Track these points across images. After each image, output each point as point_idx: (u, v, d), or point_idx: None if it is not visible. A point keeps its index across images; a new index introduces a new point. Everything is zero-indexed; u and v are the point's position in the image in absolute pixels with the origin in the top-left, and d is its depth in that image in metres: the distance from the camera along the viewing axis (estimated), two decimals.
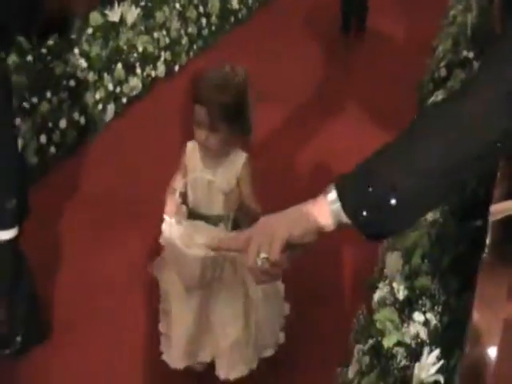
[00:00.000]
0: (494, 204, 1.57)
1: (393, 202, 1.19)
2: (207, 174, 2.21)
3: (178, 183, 2.24)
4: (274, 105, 4.45)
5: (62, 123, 3.98)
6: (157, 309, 2.50)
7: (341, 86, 4.98)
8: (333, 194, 1.24)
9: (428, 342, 2.44)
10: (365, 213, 1.21)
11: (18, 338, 2.61)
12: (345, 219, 1.24)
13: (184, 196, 2.27)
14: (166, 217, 2.19)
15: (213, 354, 2.42)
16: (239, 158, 2.25)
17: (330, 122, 4.47)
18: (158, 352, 2.47)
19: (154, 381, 2.63)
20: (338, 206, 1.23)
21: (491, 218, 1.52)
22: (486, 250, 2.68)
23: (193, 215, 2.27)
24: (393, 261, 3.00)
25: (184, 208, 2.26)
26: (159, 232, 2.24)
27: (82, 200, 3.66)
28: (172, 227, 2.16)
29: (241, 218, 2.25)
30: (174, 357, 2.40)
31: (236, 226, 2.24)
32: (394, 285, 2.83)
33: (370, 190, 1.20)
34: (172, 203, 2.19)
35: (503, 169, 2.06)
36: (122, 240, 3.29)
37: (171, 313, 2.38)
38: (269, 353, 2.53)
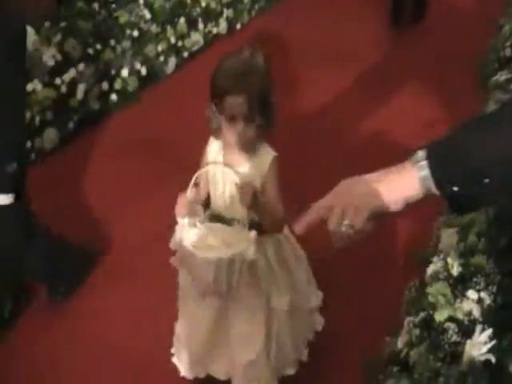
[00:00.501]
0: None
1: (486, 180, 1.17)
2: (228, 169, 1.96)
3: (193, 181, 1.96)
4: (333, 71, 4.43)
5: (124, 72, 4.00)
6: None
7: (400, 63, 4.90)
8: (423, 165, 1.22)
9: (481, 320, 2.42)
10: (455, 188, 1.20)
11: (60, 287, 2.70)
12: (433, 190, 1.23)
13: (207, 198, 2.08)
14: (178, 219, 1.95)
15: (227, 371, 2.23)
16: (267, 156, 2.02)
17: (389, 97, 4.42)
18: None
19: None
20: (427, 176, 1.22)
21: None
22: None
23: (215, 218, 2.06)
24: (448, 237, 2.98)
25: (200, 208, 2.04)
26: None
27: (138, 146, 3.68)
28: (184, 229, 1.92)
29: (264, 222, 2.00)
30: (184, 362, 2.26)
31: (256, 227, 1.98)
32: (449, 260, 2.81)
33: (462, 167, 1.18)
34: (182, 202, 1.94)
35: None
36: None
37: (187, 314, 2.22)
38: (289, 371, 2.32)
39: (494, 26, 5.29)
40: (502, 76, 4.25)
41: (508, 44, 4.69)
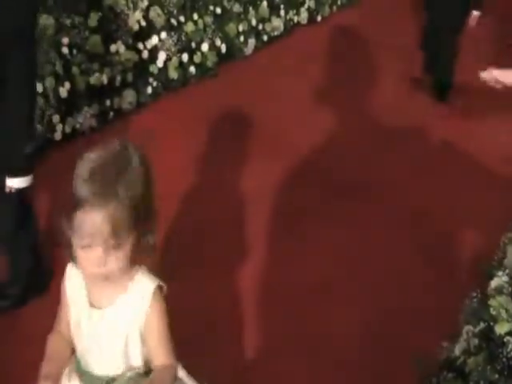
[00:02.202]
0: None
1: None
2: (95, 315, 1.45)
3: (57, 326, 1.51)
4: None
5: (204, 46, 4.02)
6: None
7: None
8: None
9: None
10: None
11: (16, 290, 2.49)
12: None
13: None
14: None
15: None
16: (147, 286, 1.45)
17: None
18: None
19: None
20: None
21: None
22: None
23: (80, 374, 1.52)
24: None
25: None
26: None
27: (223, 115, 3.75)
28: None
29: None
30: None
31: None
32: None
33: None
34: (47, 365, 1.44)
35: None
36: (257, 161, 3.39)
37: None
38: None
39: None
40: None
41: None
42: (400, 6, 5.60)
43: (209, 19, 4.07)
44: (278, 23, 4.64)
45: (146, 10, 3.66)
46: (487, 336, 2.48)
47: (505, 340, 2.38)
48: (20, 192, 2.19)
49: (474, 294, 2.74)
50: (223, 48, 4.19)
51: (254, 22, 4.42)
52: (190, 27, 3.92)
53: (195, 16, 3.98)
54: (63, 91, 3.22)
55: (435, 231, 3.20)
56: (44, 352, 1.47)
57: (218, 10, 4.15)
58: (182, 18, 3.88)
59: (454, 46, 4.07)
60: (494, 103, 3.70)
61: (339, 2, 5.40)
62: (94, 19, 3.32)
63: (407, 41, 4.67)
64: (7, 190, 2.16)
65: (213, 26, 4.09)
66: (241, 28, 4.32)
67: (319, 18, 5.15)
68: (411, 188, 3.41)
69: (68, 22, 3.21)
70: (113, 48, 3.44)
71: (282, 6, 4.70)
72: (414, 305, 2.84)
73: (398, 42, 4.80)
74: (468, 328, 2.54)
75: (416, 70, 4.33)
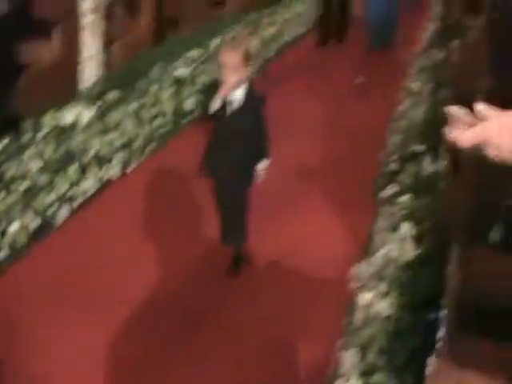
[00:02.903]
0: None
1: None
2: None
3: None
4: None
5: (14, 226, 3.92)
6: None
7: (297, 187, 5.01)
8: None
9: None
10: None
11: None
12: None
13: None
14: None
15: None
16: None
17: (298, 218, 4.48)
18: None
19: None
20: None
21: None
22: (438, 344, 2.67)
23: None
24: (349, 357, 2.97)
25: None
26: None
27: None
28: None
29: None
30: None
31: None
32: (351, 382, 2.79)
33: None
34: None
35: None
36: None
37: None
38: None
39: (383, 141, 5.50)
40: (390, 190, 4.39)
41: (394, 158, 4.88)
42: None
43: (16, 196, 4.01)
44: (88, 184, 4.58)
45: None
46: None
47: None
48: None
49: None
50: (34, 223, 4.09)
51: (63, 189, 4.37)
52: None
53: (1, 196, 3.91)
54: None
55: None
56: None
57: (25, 185, 4.10)
58: None
59: None
60: None
61: (149, 147, 5.46)
62: None
63: None
64: None
65: (21, 203, 4.03)
66: (50, 198, 4.25)
67: (130, 169, 5.14)
68: None
69: None
70: None
71: (91, 166, 4.67)
72: None
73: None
74: None
75: None
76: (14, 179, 4.06)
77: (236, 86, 3.47)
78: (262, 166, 3.68)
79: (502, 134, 1.44)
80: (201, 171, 3.72)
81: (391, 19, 8.98)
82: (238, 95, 3.51)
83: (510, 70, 3.64)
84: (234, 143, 3.58)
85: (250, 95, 3.54)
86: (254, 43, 3.72)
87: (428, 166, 4.50)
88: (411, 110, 5.64)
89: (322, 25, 9.33)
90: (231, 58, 3.42)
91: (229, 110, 3.52)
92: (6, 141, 4.20)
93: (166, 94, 5.84)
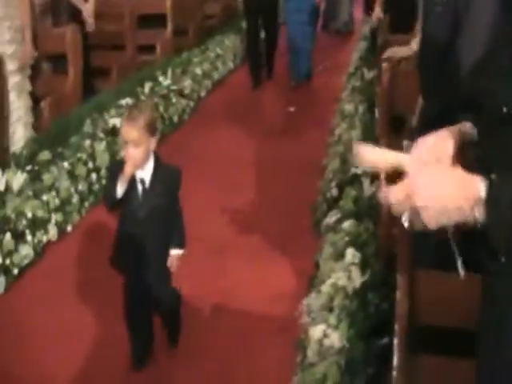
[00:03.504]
0: None
1: None
2: None
3: None
4: None
5: None
6: None
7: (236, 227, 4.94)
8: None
9: None
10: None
11: None
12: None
13: None
14: None
15: None
16: None
17: (224, 261, 4.42)
18: None
19: None
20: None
21: None
22: (394, 370, 2.63)
23: None
24: None
25: None
26: None
27: None
28: None
29: None
30: None
31: None
32: None
33: None
34: None
35: None
36: None
37: None
38: None
39: (320, 168, 5.49)
40: (332, 217, 4.35)
41: (333, 184, 4.86)
42: None
43: None
44: (26, 250, 4.44)
45: None
46: None
47: None
48: None
49: None
50: None
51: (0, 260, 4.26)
52: None
53: None
54: None
55: None
56: None
57: None
58: None
59: None
60: None
61: (87, 204, 5.38)
62: None
63: None
64: None
65: None
66: None
67: (69, 229, 5.06)
68: None
69: None
70: None
71: (27, 231, 4.55)
72: None
73: None
74: None
75: None
76: None
77: (142, 163, 3.08)
78: (175, 253, 3.33)
79: (427, 189, 1.45)
80: (112, 265, 3.35)
81: (303, 52, 8.87)
82: (147, 172, 3.14)
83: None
84: (147, 228, 3.17)
85: (160, 170, 3.18)
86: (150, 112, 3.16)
87: (368, 189, 4.48)
88: (347, 133, 5.64)
89: (253, 70, 9.21)
90: (131, 134, 3.02)
91: (139, 190, 3.15)
92: None
93: (101, 146, 5.75)
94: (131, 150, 3.02)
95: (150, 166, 3.15)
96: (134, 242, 3.19)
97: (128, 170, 3.03)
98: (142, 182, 3.14)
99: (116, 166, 3.15)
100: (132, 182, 3.10)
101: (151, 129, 3.08)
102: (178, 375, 3.40)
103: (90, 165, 5.54)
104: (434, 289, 2.90)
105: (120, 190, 3.06)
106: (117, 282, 4.07)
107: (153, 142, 3.10)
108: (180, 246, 3.33)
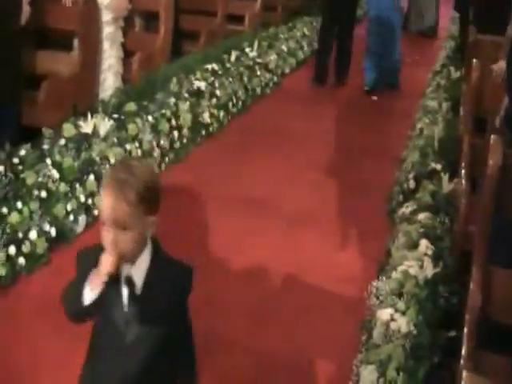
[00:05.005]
0: None
1: None
2: None
3: None
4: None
5: (33, 234, 3.93)
6: None
7: (313, 204, 5.01)
8: None
9: None
10: None
11: None
12: None
13: None
14: None
15: None
16: None
17: (300, 236, 4.49)
18: None
19: None
20: None
21: None
22: (462, 360, 2.67)
23: None
24: (369, 374, 2.96)
25: None
26: None
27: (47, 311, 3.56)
28: None
29: None
30: None
31: None
32: None
33: None
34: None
35: None
36: None
37: None
38: None
39: (398, 160, 5.51)
40: (407, 208, 4.38)
41: (411, 176, 4.87)
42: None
43: (35, 205, 4.02)
44: None
45: None
46: None
47: None
48: None
49: None
50: (53, 231, 4.10)
51: (82, 198, 4.39)
52: (14, 217, 3.86)
53: (19, 204, 3.92)
54: None
55: None
56: None
57: (44, 194, 4.11)
58: (4, 210, 3.82)
59: None
60: None
61: (167, 159, 5.51)
62: None
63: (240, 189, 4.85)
64: None
65: (40, 211, 4.04)
66: (69, 207, 4.27)
67: None
68: None
69: None
70: None
71: None
72: None
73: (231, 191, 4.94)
74: None
75: None
76: (33, 187, 4.07)
77: (131, 255, 1.91)
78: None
79: None
80: None
81: (391, 61, 7.97)
82: (139, 269, 1.95)
83: None
84: (135, 361, 1.96)
85: (161, 266, 1.98)
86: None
87: (446, 184, 4.50)
88: (428, 128, 5.64)
89: (318, 68, 8.27)
90: (117, 210, 1.83)
91: (124, 296, 1.96)
92: (26, 150, 4.22)
93: (185, 105, 5.85)
94: (114, 233, 1.85)
95: (144, 259, 1.95)
96: (104, 374, 1.99)
97: (107, 265, 1.84)
98: (130, 283, 1.95)
99: (88, 254, 1.99)
100: (114, 282, 1.90)
101: (149, 202, 1.88)
102: (242, 344, 3.45)
103: (173, 122, 5.66)
104: (508, 286, 2.93)
105: (90, 294, 1.86)
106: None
107: (151, 223, 1.92)
108: (190, 371, 2.18)
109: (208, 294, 3.65)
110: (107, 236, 1.86)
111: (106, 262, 1.83)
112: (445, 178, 4.56)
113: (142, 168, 1.90)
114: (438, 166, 4.81)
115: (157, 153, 5.35)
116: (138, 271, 1.94)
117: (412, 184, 4.79)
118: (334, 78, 8.25)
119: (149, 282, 1.95)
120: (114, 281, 1.88)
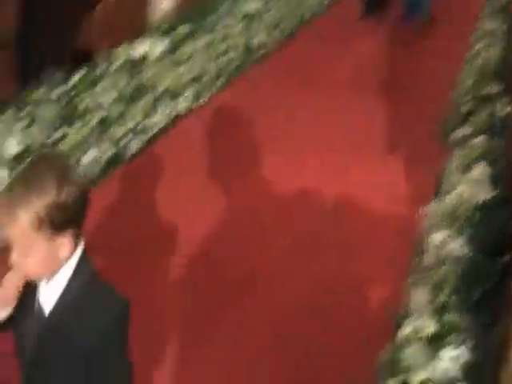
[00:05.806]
0: None
1: None
2: None
3: None
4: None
5: (89, 155, 3.99)
6: None
7: (364, 130, 4.97)
8: None
9: (459, 377, 2.40)
10: None
11: None
12: None
13: None
14: None
15: None
16: None
17: (353, 159, 4.48)
18: None
19: None
20: None
21: None
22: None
23: None
24: (420, 296, 2.96)
25: None
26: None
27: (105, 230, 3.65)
28: None
29: None
30: None
31: None
32: (423, 320, 2.79)
33: None
34: None
35: None
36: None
37: None
38: None
39: (455, 83, 5.40)
40: (463, 131, 4.32)
41: (467, 99, 4.78)
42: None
43: (89, 128, 4.07)
44: (160, 117, 4.65)
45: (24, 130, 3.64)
46: None
47: None
48: None
49: (387, 347, 2.74)
50: (108, 153, 4.16)
51: (136, 121, 4.43)
52: (71, 139, 3.91)
53: (76, 126, 3.98)
54: None
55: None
56: None
57: (99, 116, 4.16)
58: (61, 132, 3.88)
59: None
60: None
61: (219, 82, 5.50)
62: None
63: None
64: None
65: (95, 133, 4.09)
66: (123, 129, 4.32)
67: (201, 103, 5.18)
68: None
69: None
70: None
71: (162, 99, 4.72)
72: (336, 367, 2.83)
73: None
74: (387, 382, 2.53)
75: None
76: (88, 110, 4.11)
77: (40, 278, 1.53)
78: None
79: None
80: None
81: None
82: (52, 291, 1.54)
83: None
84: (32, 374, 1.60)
85: (78, 292, 1.53)
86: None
87: (502, 108, 4.40)
88: (486, 50, 5.49)
89: None
90: (7, 233, 1.45)
91: (33, 314, 1.58)
92: (80, 73, 4.24)
93: (236, 29, 5.80)
94: (14, 254, 1.49)
95: (58, 282, 1.53)
96: None
97: (10, 287, 1.55)
98: (39, 304, 1.58)
99: None
100: (28, 298, 1.58)
101: (58, 224, 1.45)
102: (299, 270, 3.49)
103: (224, 45, 5.62)
104: None
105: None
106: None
107: (63, 242, 1.48)
108: None
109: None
110: (11, 258, 1.49)
111: (8, 286, 1.54)
112: (501, 101, 4.46)
113: (53, 180, 1.42)
114: (495, 90, 4.70)
115: (208, 76, 5.34)
116: (49, 294, 1.54)
117: (468, 107, 4.70)
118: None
119: (58, 311, 1.53)
120: (28, 296, 1.56)
